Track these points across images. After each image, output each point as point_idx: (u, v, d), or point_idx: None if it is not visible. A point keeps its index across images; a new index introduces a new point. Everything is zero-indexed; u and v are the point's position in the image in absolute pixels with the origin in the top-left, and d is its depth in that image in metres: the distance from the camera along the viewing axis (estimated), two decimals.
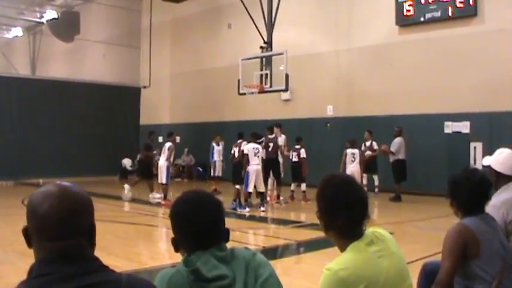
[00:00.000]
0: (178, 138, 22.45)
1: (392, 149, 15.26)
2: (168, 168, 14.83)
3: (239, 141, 14.64)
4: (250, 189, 13.36)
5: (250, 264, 2.17)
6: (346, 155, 14.74)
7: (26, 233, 1.67)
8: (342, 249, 2.42)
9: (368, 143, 16.53)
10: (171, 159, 15.21)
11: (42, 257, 1.62)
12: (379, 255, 2.36)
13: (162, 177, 14.77)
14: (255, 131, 14.34)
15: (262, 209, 13.40)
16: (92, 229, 1.71)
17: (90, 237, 1.70)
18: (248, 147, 13.48)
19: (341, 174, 2.63)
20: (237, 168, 14.12)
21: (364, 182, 14.71)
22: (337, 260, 2.33)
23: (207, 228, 2.18)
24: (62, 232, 1.61)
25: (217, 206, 2.29)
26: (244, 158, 13.52)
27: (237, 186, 13.86)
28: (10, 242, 8.42)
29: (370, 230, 2.46)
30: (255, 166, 13.31)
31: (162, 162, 14.85)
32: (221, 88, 22.36)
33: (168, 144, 14.93)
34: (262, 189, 13.59)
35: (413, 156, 16.04)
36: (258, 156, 13.46)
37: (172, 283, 2.05)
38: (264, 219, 12.92)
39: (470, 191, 3.35)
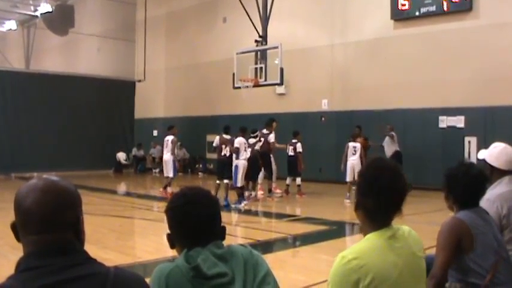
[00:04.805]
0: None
1: (395, 147, 15.44)
2: (174, 161, 14.92)
3: (227, 137, 13.91)
4: (240, 183, 13.33)
5: (248, 261, 2.17)
6: (347, 148, 14.74)
7: (14, 227, 1.67)
8: (364, 233, 2.42)
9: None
10: (176, 152, 15.11)
11: (29, 250, 1.62)
12: (397, 253, 2.33)
13: (169, 171, 14.82)
14: (244, 125, 14.24)
15: (245, 202, 13.35)
16: (78, 223, 1.70)
17: (76, 230, 1.69)
18: (240, 141, 13.43)
19: (390, 161, 2.62)
20: (225, 164, 13.90)
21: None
22: (352, 248, 2.33)
23: (203, 224, 2.17)
24: (46, 226, 1.61)
25: (214, 203, 2.28)
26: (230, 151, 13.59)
27: (226, 181, 13.64)
28: (3, 235, 8.38)
29: (396, 226, 2.44)
30: (243, 161, 13.32)
31: (168, 156, 14.90)
32: (216, 82, 22.33)
33: (171, 137, 14.94)
34: (242, 183, 13.55)
35: (408, 150, 16.07)
36: (246, 151, 13.45)
37: (171, 278, 2.03)
38: (258, 213, 12.91)
39: (467, 185, 3.34)
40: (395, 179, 2.41)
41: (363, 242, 2.36)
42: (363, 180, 2.46)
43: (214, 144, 14.31)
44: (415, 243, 2.45)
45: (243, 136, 13.55)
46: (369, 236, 2.37)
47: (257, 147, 14.51)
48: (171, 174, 14.80)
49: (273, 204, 14.18)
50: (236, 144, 13.35)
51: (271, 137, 14.94)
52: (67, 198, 1.67)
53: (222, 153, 13.74)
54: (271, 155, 15.07)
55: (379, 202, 2.37)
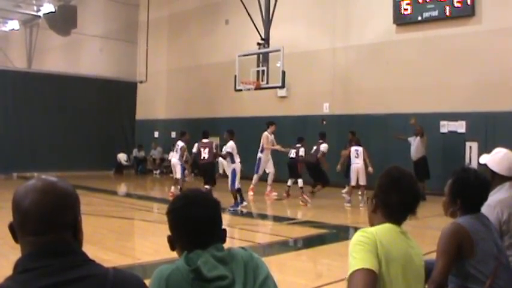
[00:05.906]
0: (174, 133, 22.50)
1: (423, 152, 15.34)
2: (181, 166, 15.62)
3: (205, 140, 14.09)
4: (238, 185, 13.32)
5: (248, 265, 2.17)
6: (349, 151, 14.71)
7: (12, 228, 1.67)
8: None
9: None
10: (184, 158, 15.86)
11: (27, 251, 1.62)
12: (407, 246, 2.49)
13: (177, 173, 15.59)
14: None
15: (244, 204, 13.33)
16: (77, 223, 1.70)
17: (75, 231, 1.68)
18: (231, 146, 13.44)
19: (408, 170, 2.77)
20: (206, 169, 14.06)
21: (362, 182, 14.42)
22: (369, 227, 2.49)
23: (204, 226, 2.17)
24: (44, 227, 1.61)
25: (215, 205, 2.28)
26: (224, 156, 13.73)
27: (206, 186, 13.43)
28: (3, 235, 8.38)
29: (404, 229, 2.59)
30: (239, 164, 13.36)
31: (175, 160, 15.75)
32: (217, 84, 22.33)
33: (181, 143, 15.68)
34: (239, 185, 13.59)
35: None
36: (239, 153, 13.56)
37: (171, 280, 2.03)
38: (258, 216, 12.90)
39: (479, 188, 3.33)
40: (414, 183, 2.63)
41: (379, 226, 2.49)
42: (386, 178, 2.61)
43: (194, 151, 14.66)
44: (418, 247, 2.58)
45: (232, 139, 13.52)
46: (384, 224, 2.50)
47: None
48: (178, 176, 15.51)
49: (273, 207, 14.17)
50: (228, 149, 13.39)
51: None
52: (66, 199, 1.67)
53: (202, 157, 13.91)
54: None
55: (402, 197, 2.54)
